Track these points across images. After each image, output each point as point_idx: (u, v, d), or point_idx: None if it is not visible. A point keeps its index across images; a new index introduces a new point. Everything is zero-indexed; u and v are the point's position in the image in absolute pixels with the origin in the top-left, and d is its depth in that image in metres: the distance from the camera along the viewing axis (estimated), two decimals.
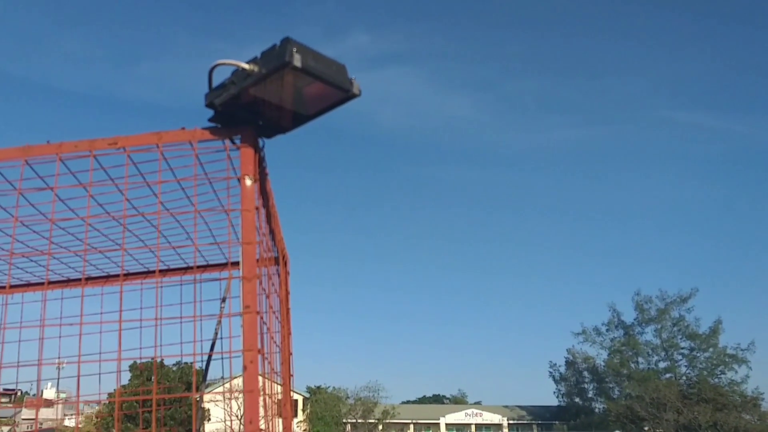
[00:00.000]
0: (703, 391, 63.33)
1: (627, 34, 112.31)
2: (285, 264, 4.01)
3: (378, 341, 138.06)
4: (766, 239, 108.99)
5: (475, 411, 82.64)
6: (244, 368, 2.22)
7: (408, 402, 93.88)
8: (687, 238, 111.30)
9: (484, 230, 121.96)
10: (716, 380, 68.04)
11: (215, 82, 2.43)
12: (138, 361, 3.67)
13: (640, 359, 74.16)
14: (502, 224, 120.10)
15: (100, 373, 3.75)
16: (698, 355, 71.03)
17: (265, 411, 2.84)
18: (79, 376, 2.68)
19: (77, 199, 2.74)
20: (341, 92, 2.36)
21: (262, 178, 2.74)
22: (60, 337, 3.65)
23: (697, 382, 67.16)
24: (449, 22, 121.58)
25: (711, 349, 70.07)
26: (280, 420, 3.73)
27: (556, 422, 77.44)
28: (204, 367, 4.56)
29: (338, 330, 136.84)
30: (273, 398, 3.15)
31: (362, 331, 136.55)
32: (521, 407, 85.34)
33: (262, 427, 2.48)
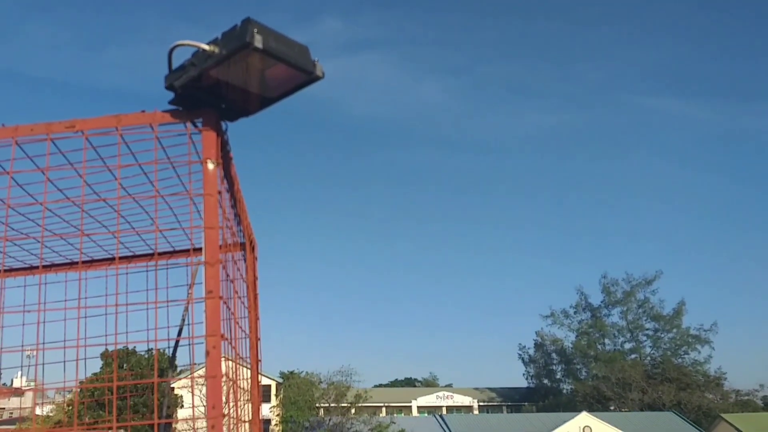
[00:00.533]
0: (667, 371, 64.66)
1: (598, 18, 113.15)
2: (252, 249, 3.96)
3: (351, 326, 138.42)
4: (730, 221, 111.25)
5: (446, 393, 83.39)
6: (207, 353, 2.18)
7: (380, 385, 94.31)
8: (653, 221, 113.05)
9: (455, 214, 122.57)
10: (680, 360, 69.52)
11: (175, 64, 2.37)
12: (109, 348, 3.60)
13: (607, 341, 75.47)
14: (472, 208, 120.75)
15: (65, 361, 3.68)
16: (662, 336, 72.45)
17: (230, 396, 2.80)
18: (38, 365, 2.61)
19: (35, 184, 2.67)
20: (304, 74, 2.31)
21: (226, 162, 2.68)
22: (23, 324, 3.57)
23: (662, 362, 68.52)
24: (420, 7, 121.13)
25: (675, 330, 71.50)
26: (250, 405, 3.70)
27: (526, 403, 78.50)
28: (171, 354, 4.50)
29: (312, 315, 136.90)
30: (237, 383, 3.12)
31: (336, 316, 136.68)
32: (491, 389, 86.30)
33: (226, 412, 2.45)
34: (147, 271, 3.89)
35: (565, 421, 48.39)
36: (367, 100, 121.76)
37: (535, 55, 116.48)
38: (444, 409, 75.77)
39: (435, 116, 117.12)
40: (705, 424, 54.14)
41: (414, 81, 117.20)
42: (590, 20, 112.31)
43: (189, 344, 3.81)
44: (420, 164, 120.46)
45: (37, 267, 3.79)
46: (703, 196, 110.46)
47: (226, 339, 2.41)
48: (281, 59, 2.21)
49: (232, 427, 2.74)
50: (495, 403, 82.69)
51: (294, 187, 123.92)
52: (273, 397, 55.62)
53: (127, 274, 3.80)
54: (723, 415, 53.91)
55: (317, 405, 49.52)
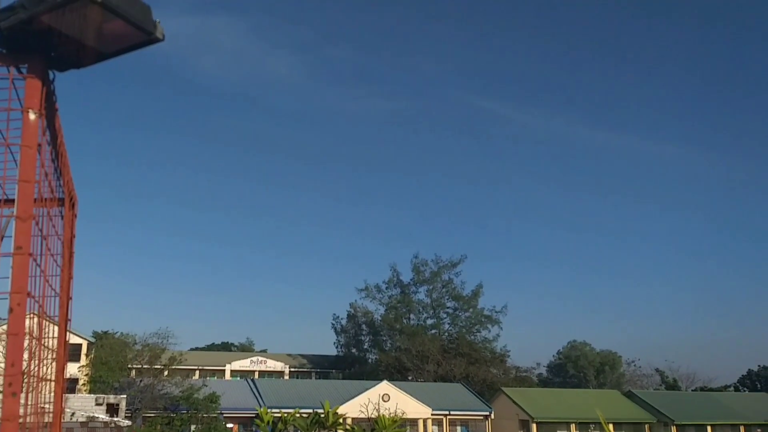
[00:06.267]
0: (461, 346, 69.18)
1: (441, 15, 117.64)
2: (72, 206, 3.67)
3: (173, 289, 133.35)
4: (527, 210, 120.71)
5: (260, 358, 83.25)
6: (11, 311, 1.99)
7: (197, 349, 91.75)
8: (465, 206, 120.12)
9: (284, 181, 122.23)
10: (472, 337, 74.52)
11: (4, 3, 2.12)
12: None
13: (412, 316, 79.06)
14: (303, 179, 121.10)
15: None
16: (460, 314, 77.21)
17: (33, 355, 2.59)
18: None
19: None
20: (143, 34, 2.16)
21: (51, 113, 2.45)
22: None
23: (457, 338, 73.09)
24: None
25: (471, 310, 76.45)
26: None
27: (333, 371, 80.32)
28: None
29: (134, 276, 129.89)
30: (42, 342, 2.89)
31: (158, 278, 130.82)
32: (303, 356, 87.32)
33: (26, 370, 2.26)
34: None
35: (367, 389, 50.17)
36: (212, 63, 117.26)
37: (376, 41, 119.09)
38: (256, 374, 75.51)
39: (281, 89, 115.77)
40: (488, 396, 58.61)
41: (262, 52, 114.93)
42: (432, 15, 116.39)
43: None
44: (256, 132, 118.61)
45: None
46: (505, 187, 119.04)
47: (33, 297, 2.22)
48: (120, 15, 2.04)
49: (33, 385, 2.54)
50: (305, 370, 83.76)
51: (121, 142, 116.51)
52: (83, 357, 52.27)
53: None
54: (503, 388, 58.66)
55: (130, 366, 47.22)
